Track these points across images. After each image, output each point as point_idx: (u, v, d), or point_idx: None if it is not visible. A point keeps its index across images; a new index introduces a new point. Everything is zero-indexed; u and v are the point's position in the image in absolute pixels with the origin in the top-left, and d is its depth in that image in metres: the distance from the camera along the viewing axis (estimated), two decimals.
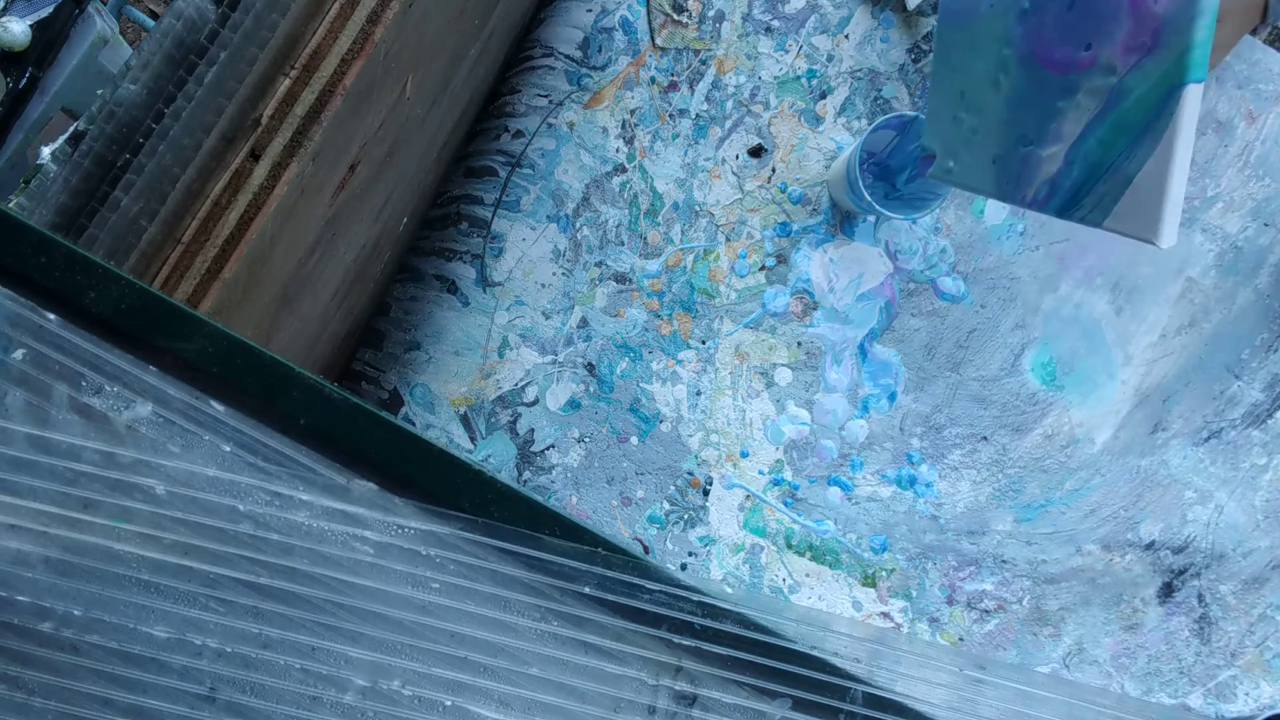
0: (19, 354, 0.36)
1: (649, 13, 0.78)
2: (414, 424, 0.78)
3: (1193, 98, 0.50)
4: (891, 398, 0.77)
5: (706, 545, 0.77)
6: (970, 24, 0.59)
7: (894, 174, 0.75)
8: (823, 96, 0.77)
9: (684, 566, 0.77)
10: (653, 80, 0.78)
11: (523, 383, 0.78)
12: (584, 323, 0.78)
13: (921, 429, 0.77)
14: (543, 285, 0.78)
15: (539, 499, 0.37)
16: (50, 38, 0.82)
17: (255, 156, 0.48)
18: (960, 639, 0.77)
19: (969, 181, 0.60)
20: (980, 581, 0.77)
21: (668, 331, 0.78)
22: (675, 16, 0.78)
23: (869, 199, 0.67)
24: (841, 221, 0.77)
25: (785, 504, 0.77)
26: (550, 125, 0.78)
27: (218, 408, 0.37)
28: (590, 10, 0.78)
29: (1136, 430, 0.77)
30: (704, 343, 0.77)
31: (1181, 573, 0.77)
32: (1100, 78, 0.55)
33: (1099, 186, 0.56)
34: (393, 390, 0.79)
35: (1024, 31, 0.57)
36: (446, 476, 0.37)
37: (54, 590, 0.37)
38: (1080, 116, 0.56)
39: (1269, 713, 0.76)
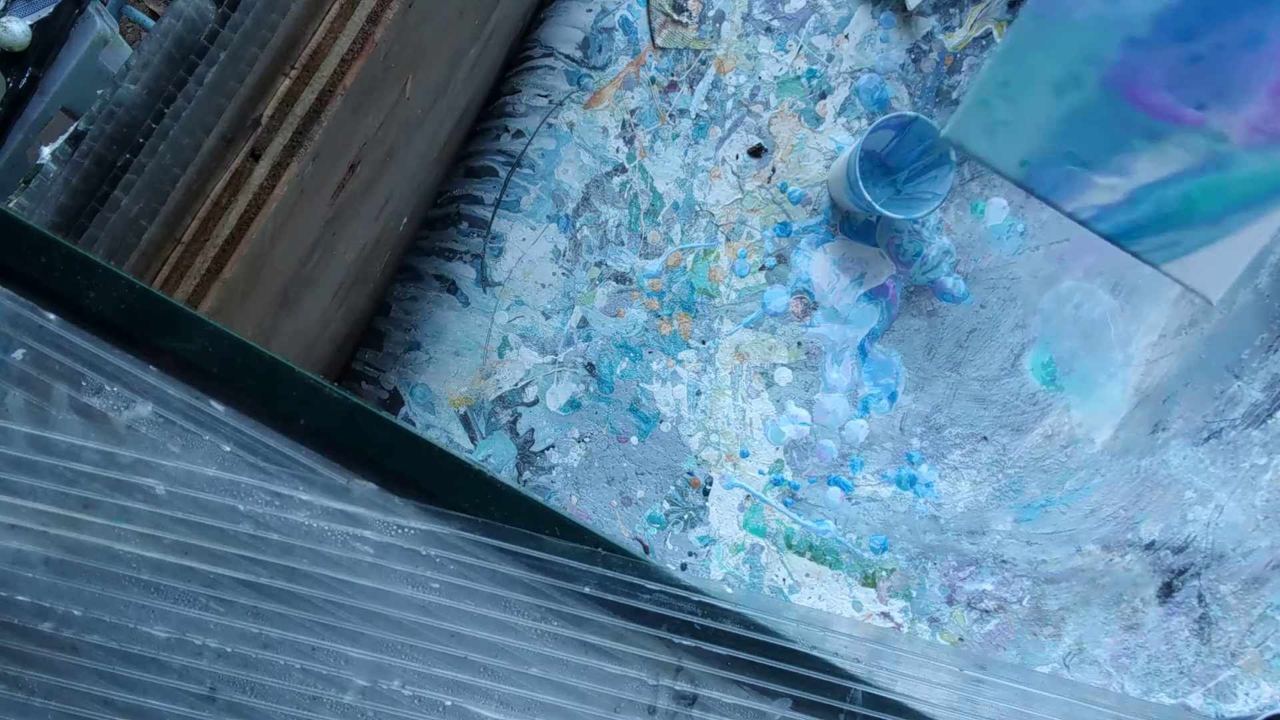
0: (19, 354, 0.36)
1: (649, 13, 0.78)
2: (414, 424, 0.78)
3: None
4: (892, 398, 0.77)
5: (706, 545, 0.77)
6: (1055, 23, 0.56)
7: (894, 174, 0.75)
8: (823, 96, 0.77)
9: (684, 566, 0.77)
10: (653, 80, 0.78)
11: (523, 383, 0.78)
12: (584, 323, 0.78)
13: (921, 429, 0.77)
14: (543, 285, 0.78)
15: (539, 499, 0.37)
16: (50, 38, 0.82)
17: (255, 156, 0.48)
18: (960, 639, 0.77)
19: (984, 160, 0.58)
20: (980, 581, 0.77)
21: (668, 331, 0.78)
22: (675, 16, 0.78)
23: (869, 199, 0.67)
24: (841, 221, 0.77)
25: (785, 504, 0.77)
26: (550, 125, 0.78)
27: (218, 408, 0.37)
28: (590, 10, 0.78)
29: (1136, 430, 0.77)
30: (704, 343, 0.77)
31: (1181, 573, 0.77)
32: (1204, 139, 0.54)
33: (1172, 234, 0.55)
34: (393, 390, 0.79)
35: (1123, 60, 0.55)
36: (446, 476, 0.37)
37: (54, 590, 0.37)
38: (1162, 164, 0.55)
39: (1269, 713, 0.76)
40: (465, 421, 0.78)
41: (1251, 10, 0.53)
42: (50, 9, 0.81)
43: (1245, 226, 0.54)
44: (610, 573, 0.36)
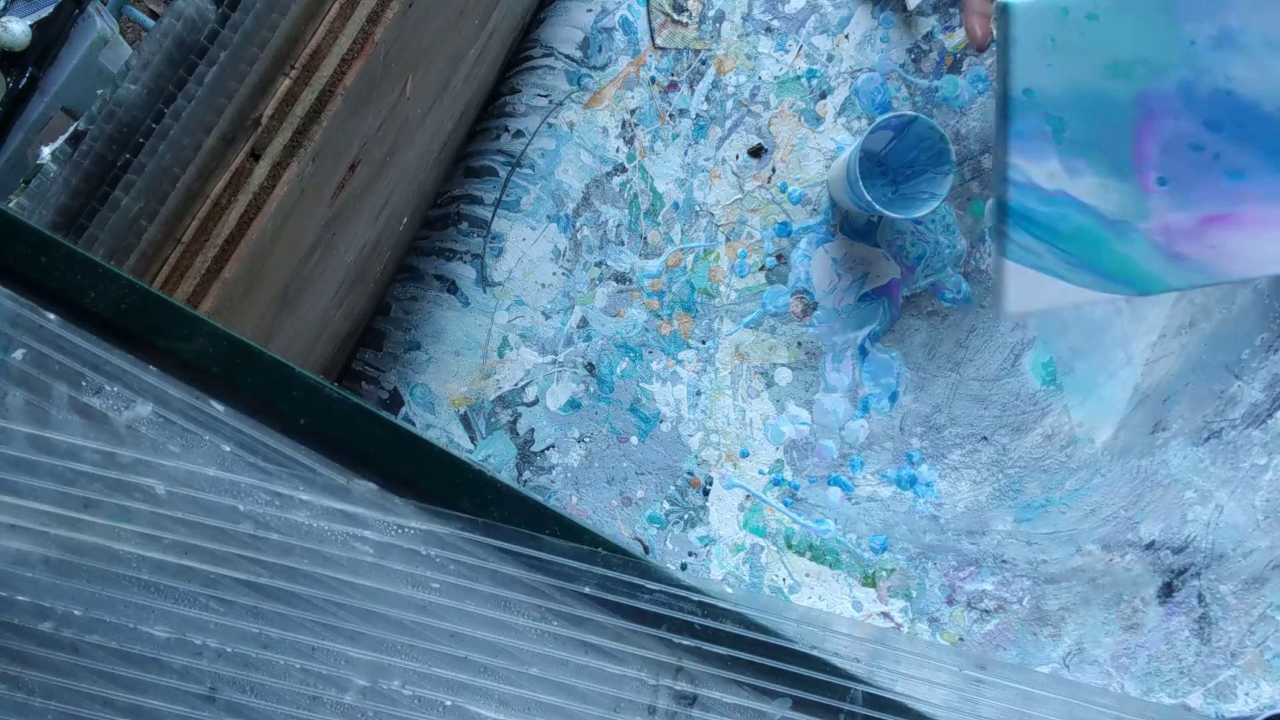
0: (19, 354, 0.36)
1: (649, 13, 0.78)
2: (414, 424, 0.78)
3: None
4: (892, 398, 0.77)
5: (706, 545, 0.77)
6: (1170, 15, 0.53)
7: (894, 174, 0.75)
8: (823, 96, 0.77)
9: (684, 566, 0.77)
10: (653, 80, 0.78)
11: (523, 383, 0.78)
12: (584, 323, 0.78)
13: (921, 429, 0.77)
14: (543, 285, 0.78)
15: (539, 499, 0.37)
16: (50, 38, 0.82)
17: (255, 156, 0.48)
18: (960, 639, 0.77)
19: (1008, 48, 0.55)
20: (980, 581, 0.77)
21: (668, 331, 0.78)
22: (675, 16, 0.78)
23: (869, 199, 0.67)
24: (841, 221, 0.77)
25: (785, 504, 0.77)
26: (550, 125, 0.78)
27: (218, 408, 0.37)
28: (590, 10, 0.78)
29: (1136, 430, 0.77)
30: (704, 343, 0.77)
31: (1181, 573, 0.77)
32: (1134, 203, 0.55)
33: (1042, 245, 0.57)
34: (393, 390, 0.79)
35: (1167, 95, 0.54)
36: (446, 476, 0.37)
37: (54, 590, 0.37)
38: (1095, 194, 0.55)
39: (1269, 713, 0.76)
40: (465, 421, 0.78)
41: (1253, 149, 0.54)
42: (50, 9, 0.81)
43: (1084, 288, 0.57)
44: (610, 573, 0.36)
